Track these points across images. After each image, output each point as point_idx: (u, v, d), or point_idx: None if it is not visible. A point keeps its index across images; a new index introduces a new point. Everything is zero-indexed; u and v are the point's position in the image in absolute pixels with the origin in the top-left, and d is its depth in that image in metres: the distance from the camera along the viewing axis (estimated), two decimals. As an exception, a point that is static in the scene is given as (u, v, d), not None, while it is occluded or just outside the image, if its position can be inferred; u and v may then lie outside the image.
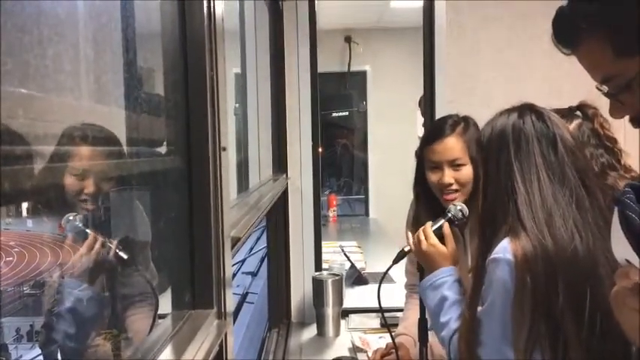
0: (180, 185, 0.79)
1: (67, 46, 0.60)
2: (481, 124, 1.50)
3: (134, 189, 0.86)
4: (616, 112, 0.79)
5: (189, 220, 0.79)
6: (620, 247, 0.74)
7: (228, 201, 0.84)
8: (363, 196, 6.09)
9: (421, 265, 1.50)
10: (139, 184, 0.85)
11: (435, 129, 1.71)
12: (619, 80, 0.75)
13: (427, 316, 1.57)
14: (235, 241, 0.90)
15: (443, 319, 1.36)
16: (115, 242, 0.96)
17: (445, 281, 1.39)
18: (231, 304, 0.87)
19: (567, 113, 1.54)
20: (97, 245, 0.93)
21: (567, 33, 0.78)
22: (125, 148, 0.77)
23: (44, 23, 0.56)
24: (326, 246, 3.09)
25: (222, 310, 0.79)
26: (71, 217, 1.00)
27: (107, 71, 0.76)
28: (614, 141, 1.53)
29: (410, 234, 1.53)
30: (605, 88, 0.78)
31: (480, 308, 1.22)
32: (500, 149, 1.25)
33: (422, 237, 1.46)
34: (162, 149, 0.86)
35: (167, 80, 0.79)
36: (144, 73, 0.83)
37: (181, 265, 0.80)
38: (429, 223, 1.49)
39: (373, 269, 3.16)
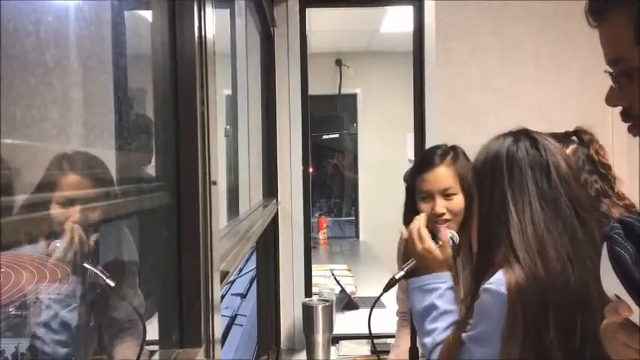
0: (169, 219, 0.78)
1: (57, 92, 0.60)
2: (470, 148, 1.50)
3: (122, 222, 0.85)
4: (611, 98, 0.80)
5: (178, 255, 0.78)
6: (609, 282, 0.74)
7: (217, 235, 0.83)
8: (353, 218, 6.08)
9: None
10: (126, 218, 0.84)
11: (424, 159, 1.71)
12: (626, 65, 0.76)
13: (418, 345, 1.56)
14: (224, 275, 0.89)
15: (429, 326, 1.33)
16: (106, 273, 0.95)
17: (437, 288, 1.35)
18: (219, 338, 0.86)
19: (563, 138, 1.53)
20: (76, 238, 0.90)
21: (599, 5, 0.78)
22: (115, 182, 0.77)
23: (31, 49, 0.56)
24: (316, 269, 3.07)
25: (211, 348, 0.78)
26: (58, 244, 0.99)
27: (97, 101, 0.76)
28: (609, 168, 1.53)
29: (404, 229, 1.48)
30: (611, 70, 0.79)
31: (468, 333, 1.21)
32: (493, 175, 1.24)
33: (416, 238, 1.41)
34: (151, 174, 0.86)
35: (157, 115, 0.78)
36: (134, 107, 0.83)
37: (169, 300, 0.79)
38: (423, 218, 1.44)
39: (364, 293, 3.14)
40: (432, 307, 1.33)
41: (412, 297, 1.39)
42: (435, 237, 1.44)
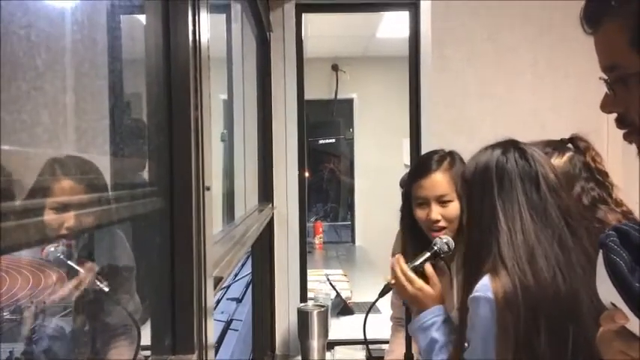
0: (162, 225, 0.78)
1: (49, 102, 0.59)
2: (465, 155, 1.50)
3: (118, 228, 0.85)
4: (606, 105, 0.80)
5: (171, 261, 0.78)
6: (605, 290, 0.74)
7: (211, 240, 0.83)
8: (349, 223, 6.07)
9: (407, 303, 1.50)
10: (120, 223, 0.83)
11: (421, 165, 1.71)
12: (621, 71, 0.76)
13: (413, 351, 1.56)
14: (218, 281, 0.89)
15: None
16: (100, 279, 0.95)
17: (434, 322, 1.39)
18: (212, 344, 0.85)
19: (559, 145, 1.54)
20: (86, 282, 0.92)
21: (594, 12, 0.78)
22: (108, 187, 0.76)
23: (22, 54, 0.55)
24: (312, 274, 3.06)
25: (204, 355, 0.78)
26: (52, 249, 0.99)
27: (90, 107, 0.75)
28: (606, 175, 1.53)
29: (391, 274, 1.50)
30: (606, 77, 0.78)
31: (466, 350, 1.22)
32: (483, 186, 1.25)
33: (405, 282, 1.45)
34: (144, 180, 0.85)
35: (150, 119, 0.78)
36: (129, 112, 0.83)
37: (161, 306, 0.78)
38: (404, 265, 1.47)
39: (359, 298, 3.14)
40: (433, 341, 1.37)
41: (415, 338, 1.44)
42: (419, 272, 1.46)
